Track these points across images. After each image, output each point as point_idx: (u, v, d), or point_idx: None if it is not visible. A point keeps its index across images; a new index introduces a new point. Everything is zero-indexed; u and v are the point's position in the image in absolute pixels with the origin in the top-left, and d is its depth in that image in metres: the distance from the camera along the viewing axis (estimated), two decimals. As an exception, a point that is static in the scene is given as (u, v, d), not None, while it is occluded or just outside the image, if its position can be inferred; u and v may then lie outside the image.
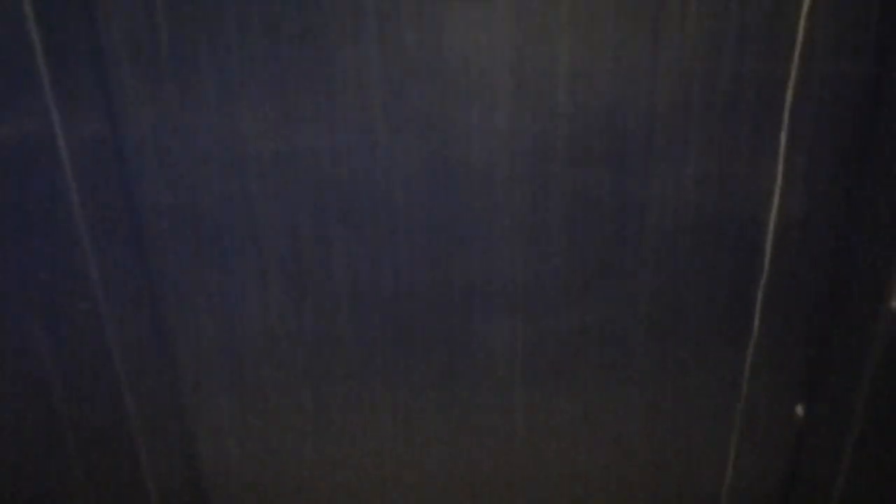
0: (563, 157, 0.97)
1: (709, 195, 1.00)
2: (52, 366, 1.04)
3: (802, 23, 0.89)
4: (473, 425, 1.16)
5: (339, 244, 1.03)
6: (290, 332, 1.09)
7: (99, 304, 1.01)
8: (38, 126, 0.91)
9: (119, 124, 0.96)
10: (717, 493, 1.24)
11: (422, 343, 1.09)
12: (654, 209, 1.00)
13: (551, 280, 1.04)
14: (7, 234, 0.96)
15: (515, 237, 1.01)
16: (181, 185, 1.01)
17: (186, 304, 1.08)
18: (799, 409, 1.09)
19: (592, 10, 0.90)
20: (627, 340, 1.11)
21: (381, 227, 1.01)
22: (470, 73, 0.93)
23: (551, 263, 1.03)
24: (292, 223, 1.02)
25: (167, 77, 0.94)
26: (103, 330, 1.03)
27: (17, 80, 0.88)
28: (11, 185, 0.94)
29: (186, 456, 1.19)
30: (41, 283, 0.99)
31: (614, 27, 0.91)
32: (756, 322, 1.08)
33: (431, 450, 1.17)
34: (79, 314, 1.01)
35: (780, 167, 0.97)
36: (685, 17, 0.90)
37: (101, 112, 0.95)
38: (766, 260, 1.04)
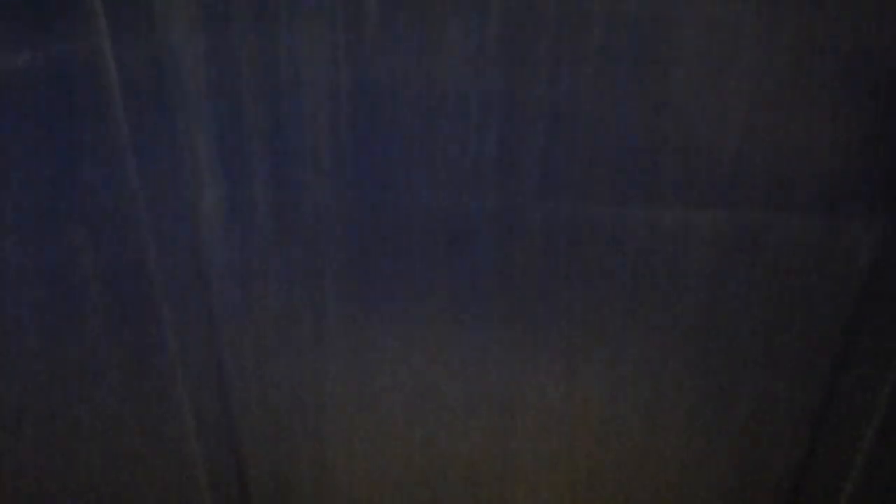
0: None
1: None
2: (93, 274, 1.08)
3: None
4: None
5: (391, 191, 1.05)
6: (336, 266, 1.11)
7: (141, 214, 1.06)
8: (90, 49, 0.96)
9: (167, 49, 0.99)
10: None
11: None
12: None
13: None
14: (57, 148, 1.00)
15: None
16: (224, 109, 1.03)
17: (223, 224, 1.10)
18: None
19: None
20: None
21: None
22: None
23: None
24: (336, 146, 1.04)
25: (215, 5, 0.96)
26: (143, 239, 1.08)
27: (71, 6, 0.93)
28: (63, 102, 0.98)
29: (218, 379, 1.21)
30: (87, 193, 1.04)
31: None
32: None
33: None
34: (121, 224, 1.06)
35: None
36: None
37: (150, 37, 0.99)
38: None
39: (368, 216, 1.06)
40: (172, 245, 1.10)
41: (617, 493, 1.25)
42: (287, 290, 1.13)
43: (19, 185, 0.98)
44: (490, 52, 0.95)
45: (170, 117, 1.03)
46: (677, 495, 1.25)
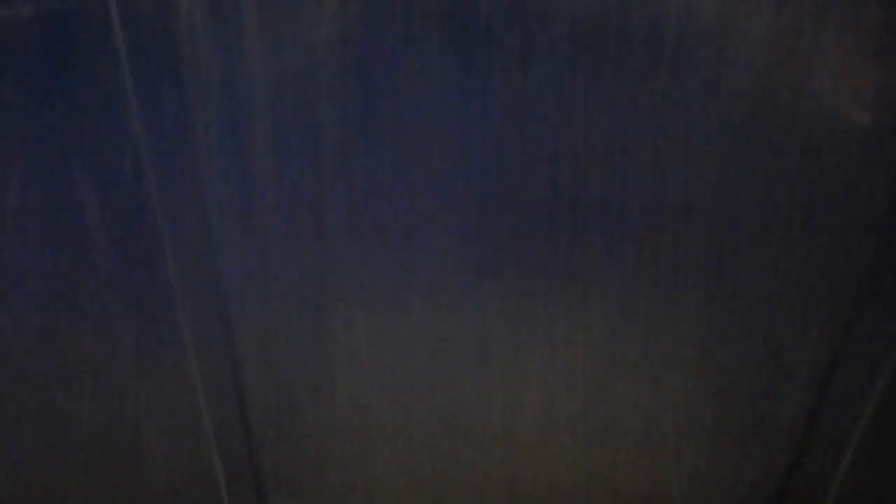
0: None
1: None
2: (97, 218, 1.09)
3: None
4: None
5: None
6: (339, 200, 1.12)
7: (144, 162, 1.06)
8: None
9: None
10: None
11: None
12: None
13: None
14: (59, 100, 1.02)
15: None
16: (230, 60, 1.02)
17: (227, 170, 1.10)
18: None
19: None
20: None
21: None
22: None
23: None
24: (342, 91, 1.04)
25: None
26: (146, 184, 1.07)
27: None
28: (65, 54, 0.99)
29: (221, 306, 1.23)
30: (89, 142, 1.04)
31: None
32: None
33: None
34: (124, 170, 1.06)
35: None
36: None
37: None
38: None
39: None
40: (173, 180, 1.09)
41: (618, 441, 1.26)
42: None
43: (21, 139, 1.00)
44: None
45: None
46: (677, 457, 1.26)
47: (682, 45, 0.95)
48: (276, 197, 1.11)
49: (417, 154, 1.06)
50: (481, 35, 0.98)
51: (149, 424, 1.27)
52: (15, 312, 1.15)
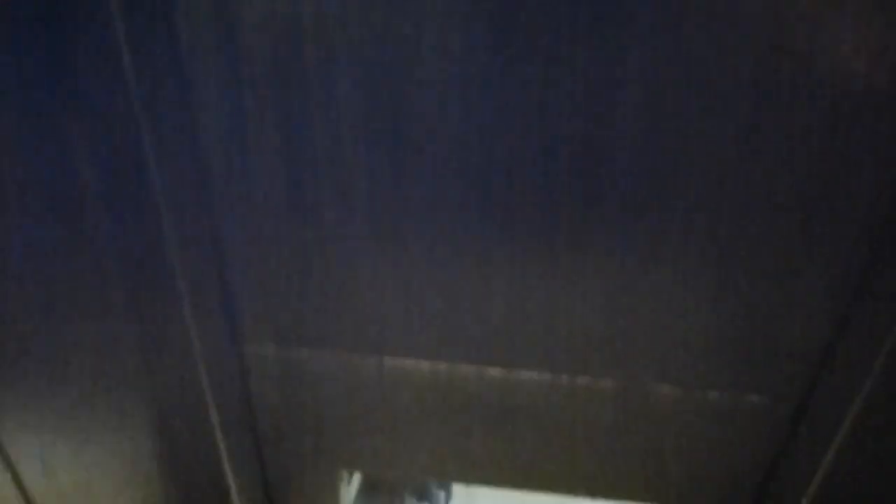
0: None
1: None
2: (88, 165, 1.07)
3: None
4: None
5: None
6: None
7: (135, 107, 1.03)
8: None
9: None
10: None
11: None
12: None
13: None
14: (51, 48, 0.99)
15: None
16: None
17: (220, 115, 1.07)
18: None
19: None
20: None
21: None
22: None
23: None
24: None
25: None
26: (140, 136, 1.05)
27: None
28: (57, 17, 0.97)
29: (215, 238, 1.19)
30: (79, 90, 1.02)
31: None
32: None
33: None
34: (116, 117, 1.04)
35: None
36: None
37: None
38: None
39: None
40: (171, 149, 1.09)
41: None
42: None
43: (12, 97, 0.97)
44: None
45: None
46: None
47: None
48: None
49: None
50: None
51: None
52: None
